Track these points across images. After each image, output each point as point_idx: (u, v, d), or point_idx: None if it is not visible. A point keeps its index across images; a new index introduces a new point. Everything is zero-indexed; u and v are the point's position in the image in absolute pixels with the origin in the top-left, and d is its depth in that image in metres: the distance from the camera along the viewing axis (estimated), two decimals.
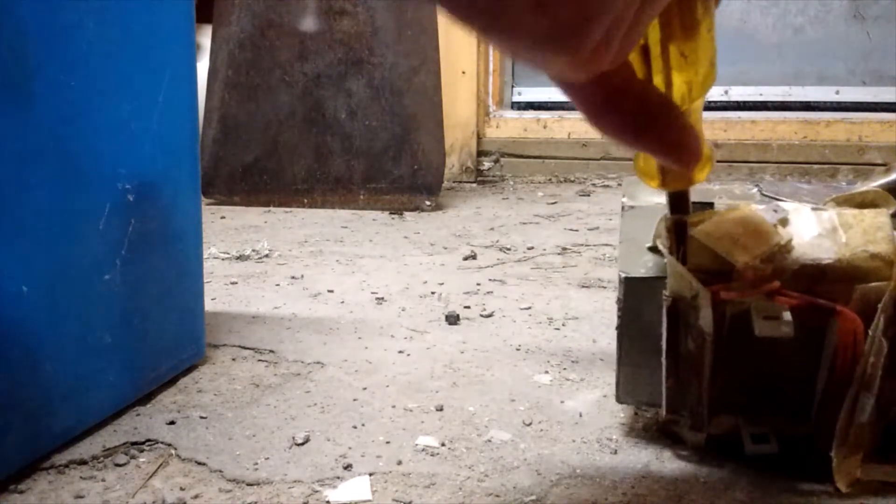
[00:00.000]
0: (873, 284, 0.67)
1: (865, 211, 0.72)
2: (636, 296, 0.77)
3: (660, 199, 0.79)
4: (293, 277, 1.44)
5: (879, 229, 0.69)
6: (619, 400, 0.82)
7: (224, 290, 1.37)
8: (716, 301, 0.70)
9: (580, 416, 0.86)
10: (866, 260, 0.67)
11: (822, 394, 0.71)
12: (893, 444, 0.71)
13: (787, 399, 0.74)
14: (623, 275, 0.77)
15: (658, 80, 0.52)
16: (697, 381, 0.75)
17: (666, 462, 0.76)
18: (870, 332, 0.67)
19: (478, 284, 1.39)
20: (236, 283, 1.41)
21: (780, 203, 0.75)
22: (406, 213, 2.10)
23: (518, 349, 1.08)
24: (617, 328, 0.81)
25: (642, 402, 0.82)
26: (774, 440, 0.72)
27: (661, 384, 0.77)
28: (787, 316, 0.68)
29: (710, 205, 0.79)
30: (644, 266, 0.77)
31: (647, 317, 0.77)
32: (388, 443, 0.80)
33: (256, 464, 0.76)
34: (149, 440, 0.81)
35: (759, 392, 0.75)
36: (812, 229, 0.70)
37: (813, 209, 0.73)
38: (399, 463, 0.76)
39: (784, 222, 0.71)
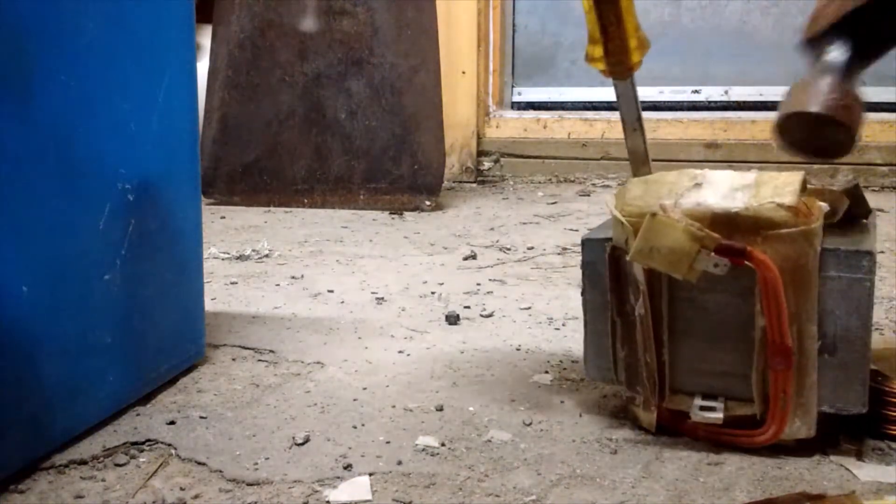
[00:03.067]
0: (781, 231, 0.73)
1: (782, 173, 0.77)
2: (595, 256, 0.83)
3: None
4: (293, 277, 1.44)
5: (789, 185, 0.75)
6: (588, 375, 0.86)
7: (224, 290, 1.37)
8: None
9: (580, 416, 0.86)
10: (773, 209, 0.73)
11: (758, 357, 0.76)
12: None
13: (733, 373, 0.78)
14: (583, 238, 0.84)
15: None
16: (645, 347, 0.80)
17: (666, 462, 0.76)
18: None
19: (478, 284, 1.39)
20: (236, 283, 1.41)
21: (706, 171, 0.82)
22: (406, 213, 2.10)
23: (518, 349, 1.08)
24: (581, 294, 0.85)
25: (609, 378, 0.85)
26: (721, 410, 0.78)
27: (616, 353, 0.83)
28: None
29: None
30: (604, 232, 0.84)
31: (606, 280, 0.83)
32: (388, 443, 0.80)
33: (256, 464, 0.76)
34: (149, 440, 0.81)
35: (710, 371, 0.79)
36: (729, 185, 0.77)
37: (737, 172, 0.80)
38: (399, 463, 0.76)
39: (699, 184, 0.77)
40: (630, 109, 0.91)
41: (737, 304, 0.76)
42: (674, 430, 0.81)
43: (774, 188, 0.74)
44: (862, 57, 0.75)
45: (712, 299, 0.77)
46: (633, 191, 0.79)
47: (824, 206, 0.75)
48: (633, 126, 0.91)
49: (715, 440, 0.78)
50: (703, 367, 0.79)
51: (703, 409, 0.78)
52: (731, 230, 0.74)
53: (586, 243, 0.83)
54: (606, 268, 0.81)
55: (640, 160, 0.91)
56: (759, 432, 0.76)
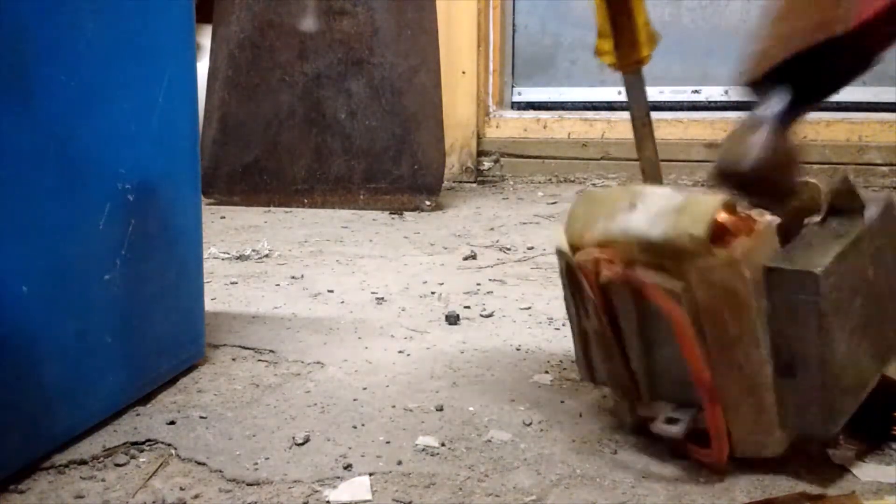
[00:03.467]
0: (701, 262, 0.70)
1: (708, 196, 0.74)
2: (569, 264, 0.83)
3: None
4: (293, 277, 1.44)
5: (706, 212, 0.71)
6: (581, 378, 0.87)
7: (224, 290, 1.37)
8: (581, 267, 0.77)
9: (580, 416, 0.86)
10: (687, 239, 0.70)
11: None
12: None
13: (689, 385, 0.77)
14: (556, 248, 0.82)
15: None
16: (608, 358, 0.80)
17: (666, 462, 0.76)
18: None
19: (478, 284, 1.39)
20: (236, 283, 1.41)
21: (652, 186, 0.81)
22: (406, 213, 2.10)
23: (518, 349, 1.08)
24: (564, 299, 0.85)
25: (595, 380, 0.85)
26: (684, 425, 0.76)
27: (592, 359, 0.83)
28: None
29: None
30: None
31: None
32: (388, 443, 0.80)
33: (256, 464, 0.76)
34: (149, 440, 0.81)
35: (684, 381, 0.77)
36: (657, 209, 0.74)
37: (676, 190, 0.77)
38: (399, 463, 0.76)
39: (633, 205, 0.75)
40: (639, 103, 0.93)
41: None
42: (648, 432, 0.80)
43: (692, 215, 0.71)
44: (802, 103, 0.74)
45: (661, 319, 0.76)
46: (576, 210, 0.80)
47: (770, 219, 0.72)
48: (643, 120, 0.92)
49: (676, 448, 0.77)
50: (678, 376, 0.77)
51: (668, 420, 0.76)
52: (657, 255, 0.72)
53: (559, 253, 0.82)
54: (565, 280, 0.81)
55: (648, 155, 0.92)
56: (707, 453, 0.74)
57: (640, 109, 0.92)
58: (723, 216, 0.71)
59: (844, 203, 0.76)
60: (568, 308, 0.84)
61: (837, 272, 0.70)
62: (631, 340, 0.78)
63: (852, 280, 0.72)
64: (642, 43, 0.90)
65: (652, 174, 0.90)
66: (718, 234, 0.70)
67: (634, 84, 0.92)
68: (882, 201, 0.77)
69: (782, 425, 0.72)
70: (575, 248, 0.77)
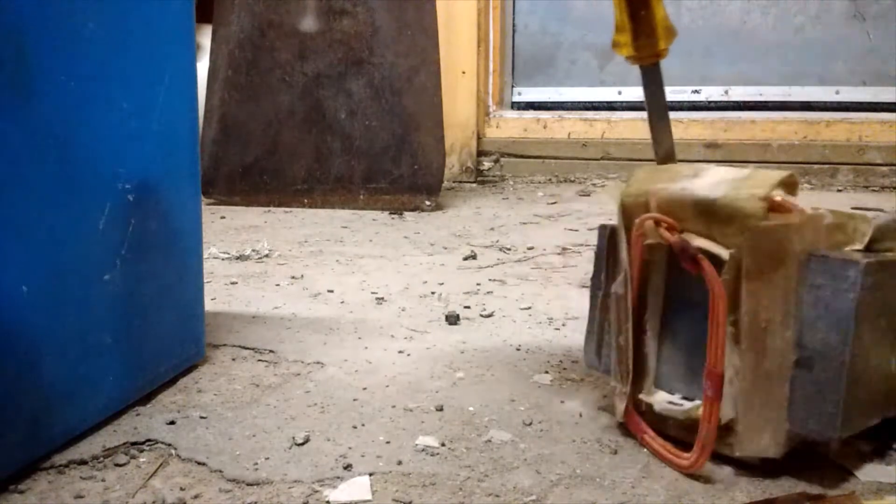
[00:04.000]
0: (757, 223, 0.71)
1: (775, 171, 0.76)
2: (603, 240, 0.85)
3: None
4: (293, 277, 1.44)
5: (770, 178, 0.73)
6: (584, 362, 0.88)
7: (224, 290, 1.37)
8: (628, 228, 0.79)
9: (580, 416, 0.86)
10: (747, 199, 0.72)
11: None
12: None
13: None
14: (600, 224, 0.86)
15: None
16: (619, 329, 0.81)
17: (666, 462, 0.76)
18: None
19: (478, 284, 1.39)
20: (236, 283, 1.41)
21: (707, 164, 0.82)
22: (406, 213, 2.10)
23: (518, 349, 1.08)
24: (591, 279, 0.87)
25: (598, 365, 0.87)
26: (690, 407, 0.77)
27: (603, 336, 0.84)
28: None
29: None
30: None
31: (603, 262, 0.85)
32: (388, 443, 0.80)
33: (256, 464, 0.76)
34: (149, 440, 0.81)
35: (692, 374, 0.79)
36: (721, 178, 0.76)
37: (740, 169, 0.79)
38: (399, 463, 0.76)
39: (696, 175, 0.78)
40: (656, 98, 0.91)
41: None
42: (633, 426, 0.81)
43: (755, 181, 0.73)
44: None
45: (695, 295, 0.76)
46: (638, 175, 0.82)
47: (824, 212, 0.73)
48: (660, 116, 0.91)
49: (653, 450, 0.78)
50: (686, 368, 0.78)
51: (671, 402, 0.78)
52: (710, 219, 0.73)
53: (600, 228, 0.86)
54: (604, 250, 0.84)
55: (665, 151, 0.91)
56: (685, 457, 0.74)
57: (657, 103, 0.90)
58: (781, 192, 0.73)
59: (888, 239, 0.74)
60: (595, 277, 0.86)
61: (879, 274, 0.70)
62: (652, 318, 0.79)
63: (891, 295, 0.72)
64: (660, 36, 0.89)
65: None
66: (773, 207, 0.72)
67: (652, 77, 0.91)
68: None
69: (788, 425, 0.72)
70: (628, 210, 0.79)
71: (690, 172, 0.78)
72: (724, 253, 0.72)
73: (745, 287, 0.72)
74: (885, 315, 0.72)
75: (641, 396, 0.80)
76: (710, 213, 0.73)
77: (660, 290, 0.79)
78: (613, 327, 0.82)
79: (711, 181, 0.75)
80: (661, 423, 0.79)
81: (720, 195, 0.73)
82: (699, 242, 0.74)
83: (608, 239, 0.84)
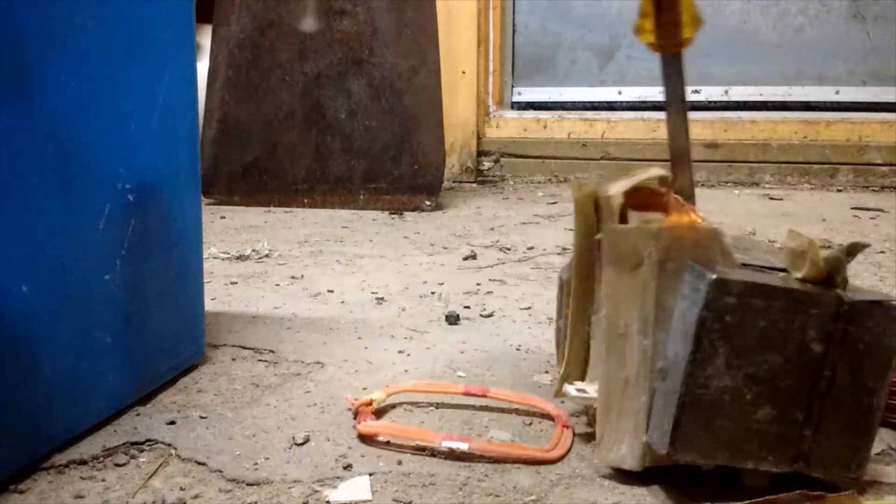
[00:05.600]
0: (617, 226, 0.74)
1: (656, 171, 0.77)
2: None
3: None
4: (293, 277, 1.44)
5: (635, 179, 0.75)
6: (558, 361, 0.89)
7: (224, 290, 1.37)
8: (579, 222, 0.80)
9: (579, 416, 0.86)
10: (613, 198, 0.74)
11: None
12: None
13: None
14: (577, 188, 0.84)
15: None
16: (559, 313, 0.83)
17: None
18: None
19: (478, 284, 1.39)
20: (236, 283, 1.41)
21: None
22: (406, 213, 2.10)
23: (518, 349, 1.08)
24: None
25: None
26: (586, 396, 0.78)
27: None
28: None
29: None
30: None
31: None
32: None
33: (256, 464, 0.76)
34: (149, 440, 0.81)
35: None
36: (632, 178, 0.77)
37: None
38: (399, 463, 0.76)
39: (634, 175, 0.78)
40: (676, 90, 0.88)
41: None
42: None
43: (628, 180, 0.75)
44: None
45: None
46: (611, 177, 0.83)
47: (717, 228, 0.70)
48: (678, 108, 0.88)
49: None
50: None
51: (578, 390, 0.78)
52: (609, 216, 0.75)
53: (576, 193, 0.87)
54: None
55: (679, 146, 0.87)
56: (545, 450, 0.76)
57: (676, 95, 0.88)
58: (663, 190, 0.74)
59: (832, 271, 0.67)
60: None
61: (745, 301, 0.65)
62: (587, 305, 0.80)
63: (775, 331, 0.66)
64: (686, 23, 0.86)
65: (681, 164, 0.86)
66: (652, 206, 0.73)
67: (673, 68, 0.87)
68: (879, 295, 0.69)
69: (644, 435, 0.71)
70: (578, 205, 0.79)
71: (634, 173, 0.79)
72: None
73: (604, 288, 0.72)
74: (753, 348, 0.66)
75: (567, 384, 0.81)
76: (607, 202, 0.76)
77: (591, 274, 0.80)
78: (556, 310, 0.85)
79: (625, 180, 0.76)
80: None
81: (611, 193, 0.75)
82: (599, 236, 0.76)
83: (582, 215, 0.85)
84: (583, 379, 0.82)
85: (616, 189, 0.74)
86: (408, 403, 0.90)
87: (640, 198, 0.73)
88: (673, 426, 0.66)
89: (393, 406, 0.89)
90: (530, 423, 0.85)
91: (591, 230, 0.78)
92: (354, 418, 0.83)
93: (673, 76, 0.87)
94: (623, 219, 0.73)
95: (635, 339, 0.71)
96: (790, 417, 0.67)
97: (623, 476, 0.74)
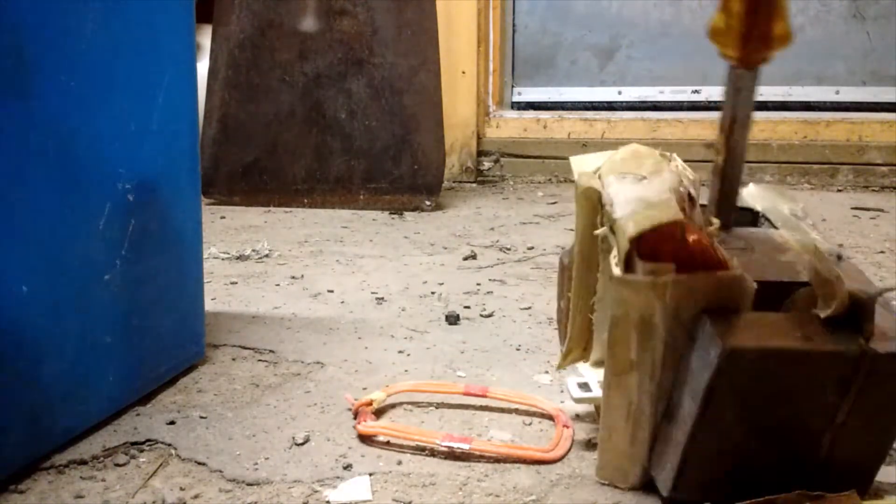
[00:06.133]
0: (628, 277, 0.68)
1: (671, 205, 0.70)
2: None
3: None
4: (293, 277, 1.44)
5: (647, 219, 0.67)
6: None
7: (224, 290, 1.36)
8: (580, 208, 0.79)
9: (577, 416, 0.86)
10: (622, 237, 0.68)
11: None
12: None
13: None
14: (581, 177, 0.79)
15: None
16: (561, 293, 0.85)
17: None
18: None
19: (478, 284, 1.39)
20: (236, 283, 1.41)
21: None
22: (406, 213, 2.10)
23: (518, 349, 1.08)
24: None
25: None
26: (590, 393, 0.79)
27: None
28: None
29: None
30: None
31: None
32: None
33: (256, 464, 0.76)
34: (149, 440, 0.81)
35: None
36: (637, 195, 0.71)
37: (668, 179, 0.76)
38: (399, 463, 0.76)
39: (643, 178, 0.75)
40: (745, 108, 0.77)
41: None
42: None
43: (641, 217, 0.67)
44: None
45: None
46: (615, 157, 0.80)
47: (743, 275, 0.65)
48: (744, 124, 0.77)
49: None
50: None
51: (580, 386, 0.79)
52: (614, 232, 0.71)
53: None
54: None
55: (735, 173, 0.80)
56: (545, 450, 0.77)
57: (743, 114, 0.77)
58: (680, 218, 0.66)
59: (860, 311, 0.63)
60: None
61: (760, 366, 0.63)
62: (590, 281, 0.79)
63: (790, 388, 0.64)
64: (777, 38, 0.73)
65: (730, 194, 0.80)
66: (664, 242, 0.66)
67: (748, 84, 0.76)
68: None
69: (646, 464, 0.71)
70: (580, 195, 0.77)
71: (645, 169, 0.74)
72: (615, 271, 0.68)
73: (611, 324, 0.68)
74: (764, 405, 0.65)
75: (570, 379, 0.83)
76: (613, 228, 0.70)
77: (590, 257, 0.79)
78: (557, 292, 0.85)
79: (631, 196, 0.70)
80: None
81: (619, 216, 0.69)
82: (612, 254, 0.70)
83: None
84: (586, 358, 0.83)
85: (625, 212, 0.68)
86: (408, 403, 0.90)
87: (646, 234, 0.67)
88: (676, 474, 0.67)
89: (393, 406, 0.89)
90: (530, 423, 0.85)
91: (593, 215, 0.75)
92: (354, 418, 0.83)
93: (745, 93, 0.77)
94: (630, 259, 0.67)
95: (643, 379, 0.68)
96: (797, 458, 0.66)
97: None
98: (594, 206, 0.76)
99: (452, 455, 0.77)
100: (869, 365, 0.63)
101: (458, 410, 0.88)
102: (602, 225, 0.75)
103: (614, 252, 0.69)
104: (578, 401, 0.80)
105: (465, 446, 0.76)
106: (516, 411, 0.87)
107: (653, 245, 0.66)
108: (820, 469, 0.67)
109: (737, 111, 0.77)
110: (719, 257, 0.66)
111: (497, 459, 0.76)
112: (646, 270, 0.65)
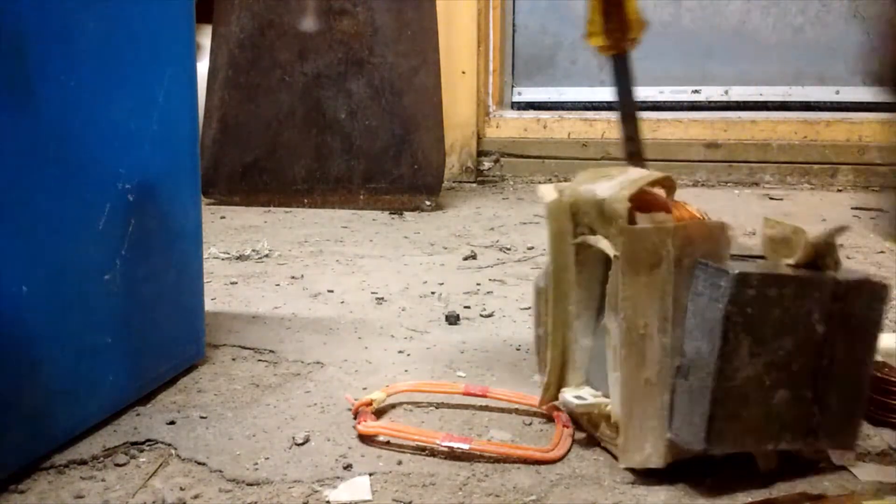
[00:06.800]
0: (631, 226, 0.72)
1: (652, 172, 0.78)
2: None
3: None
4: (293, 277, 1.44)
5: (638, 181, 0.74)
6: (539, 371, 0.87)
7: (224, 290, 1.36)
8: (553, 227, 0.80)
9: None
10: (616, 200, 0.73)
11: None
12: None
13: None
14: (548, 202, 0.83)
15: None
16: (538, 321, 0.84)
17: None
18: None
19: (478, 284, 1.39)
20: (236, 283, 1.41)
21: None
22: (406, 213, 2.10)
23: (518, 349, 1.08)
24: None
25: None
26: (589, 399, 0.79)
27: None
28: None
29: None
30: None
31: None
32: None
33: (256, 464, 0.76)
34: (149, 440, 0.81)
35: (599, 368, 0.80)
36: (622, 179, 0.77)
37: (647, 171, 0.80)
38: (399, 463, 0.76)
39: (611, 177, 0.78)
40: (627, 92, 0.93)
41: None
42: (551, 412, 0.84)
43: (630, 181, 0.74)
44: None
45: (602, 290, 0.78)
46: (579, 178, 0.82)
47: (722, 222, 0.72)
48: (629, 110, 0.92)
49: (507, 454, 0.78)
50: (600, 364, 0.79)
51: (576, 397, 0.79)
52: (603, 219, 0.75)
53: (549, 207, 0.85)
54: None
55: (634, 147, 0.93)
56: (545, 450, 0.77)
57: (627, 97, 0.92)
58: (656, 190, 0.74)
59: (822, 255, 0.72)
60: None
61: (763, 291, 0.68)
62: (583, 315, 0.80)
63: (787, 317, 0.70)
64: (631, 26, 0.92)
65: (637, 165, 0.90)
66: (646, 207, 0.73)
67: (622, 69, 0.93)
68: (863, 274, 0.73)
69: (670, 434, 0.72)
70: (552, 210, 0.80)
71: (612, 173, 0.79)
72: (612, 252, 0.73)
73: (621, 291, 0.72)
74: (769, 336, 0.69)
75: (563, 390, 0.82)
76: (602, 214, 0.75)
77: (592, 287, 0.79)
78: (534, 319, 0.84)
79: (613, 182, 0.76)
80: (579, 416, 0.81)
81: (606, 196, 0.74)
82: (601, 244, 0.75)
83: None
84: (562, 385, 0.82)
85: (610, 192, 0.74)
86: (408, 403, 0.90)
87: (635, 199, 0.73)
88: (707, 422, 0.69)
89: (393, 406, 0.89)
90: (530, 423, 0.85)
91: (564, 235, 0.79)
92: (354, 418, 0.83)
93: (623, 76, 0.93)
94: (631, 221, 0.72)
95: (655, 338, 0.71)
96: (802, 396, 0.71)
97: (622, 476, 0.74)
98: (564, 222, 0.79)
99: (453, 455, 0.77)
100: (843, 293, 0.71)
101: (458, 410, 0.88)
102: (578, 235, 0.78)
103: (602, 237, 0.75)
104: (578, 408, 0.79)
105: (465, 446, 0.76)
106: (516, 411, 0.87)
107: (644, 206, 0.73)
108: (821, 409, 0.72)
109: (619, 93, 0.94)
110: (699, 214, 0.76)
111: (497, 459, 0.76)
112: (652, 220, 0.72)
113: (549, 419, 0.85)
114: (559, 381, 0.82)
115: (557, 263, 0.79)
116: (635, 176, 0.75)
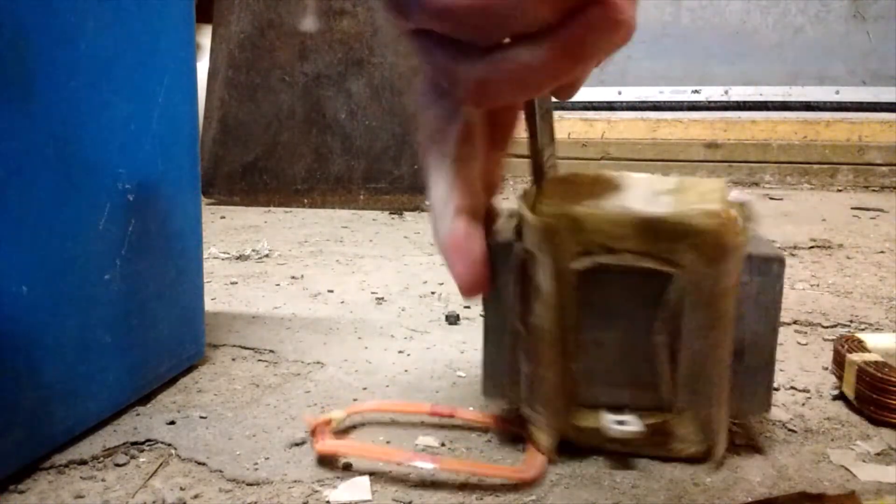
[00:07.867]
0: (715, 241, 0.67)
1: (704, 179, 0.74)
2: (494, 264, 0.74)
3: None
4: (293, 277, 1.44)
5: (714, 191, 0.71)
6: (484, 393, 0.79)
7: (224, 290, 1.37)
8: (552, 253, 0.70)
9: None
10: (700, 216, 0.67)
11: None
12: None
13: (645, 384, 0.74)
14: (488, 242, 0.74)
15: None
16: (546, 363, 0.73)
17: (666, 462, 0.76)
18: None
19: None
20: (236, 283, 1.41)
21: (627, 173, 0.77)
22: (406, 213, 2.10)
23: None
24: (484, 302, 0.77)
25: (508, 397, 0.78)
26: (637, 420, 0.73)
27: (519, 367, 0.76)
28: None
29: None
30: (508, 234, 0.75)
31: (508, 290, 0.75)
32: (387, 442, 0.80)
33: (256, 464, 0.76)
34: (149, 440, 0.81)
35: (619, 382, 0.75)
36: (651, 189, 0.71)
37: (656, 176, 0.76)
38: (399, 463, 0.76)
39: (618, 187, 0.72)
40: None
41: (646, 313, 0.72)
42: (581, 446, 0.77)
43: (700, 194, 0.70)
44: None
45: (624, 308, 0.72)
46: (548, 192, 0.73)
47: (750, 198, 0.73)
48: (544, 107, 0.75)
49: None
50: (613, 378, 0.74)
51: (618, 423, 0.73)
52: (655, 237, 0.68)
53: (492, 247, 0.74)
54: (512, 273, 0.74)
55: (545, 147, 0.77)
56: (517, 470, 0.72)
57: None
58: (732, 195, 0.72)
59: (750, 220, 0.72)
60: (489, 313, 0.77)
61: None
62: (568, 343, 0.74)
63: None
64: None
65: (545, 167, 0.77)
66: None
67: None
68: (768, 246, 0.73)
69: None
70: (549, 232, 0.70)
71: (610, 184, 0.72)
72: (672, 271, 0.69)
73: (689, 299, 0.69)
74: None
75: (577, 422, 0.75)
76: (655, 231, 0.68)
77: (575, 310, 0.73)
78: (544, 361, 0.73)
79: (644, 195, 0.70)
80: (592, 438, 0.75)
81: (669, 212, 0.68)
82: (644, 263, 0.69)
83: (520, 262, 0.73)
84: (568, 421, 0.76)
85: (684, 207, 0.68)
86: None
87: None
88: (770, 391, 0.74)
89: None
90: (500, 442, 0.84)
91: (565, 259, 0.70)
92: (312, 437, 0.78)
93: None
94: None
95: (729, 328, 0.71)
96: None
97: (623, 476, 0.74)
98: (569, 237, 0.71)
99: (420, 476, 0.76)
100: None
101: (430, 428, 0.88)
102: (579, 257, 0.71)
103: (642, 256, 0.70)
104: (621, 434, 0.74)
105: (431, 466, 0.72)
106: (485, 430, 0.87)
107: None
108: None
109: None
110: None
111: (464, 484, 0.73)
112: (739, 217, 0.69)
113: (522, 440, 0.84)
114: (568, 417, 0.76)
115: (559, 296, 0.72)
116: (703, 188, 0.71)
